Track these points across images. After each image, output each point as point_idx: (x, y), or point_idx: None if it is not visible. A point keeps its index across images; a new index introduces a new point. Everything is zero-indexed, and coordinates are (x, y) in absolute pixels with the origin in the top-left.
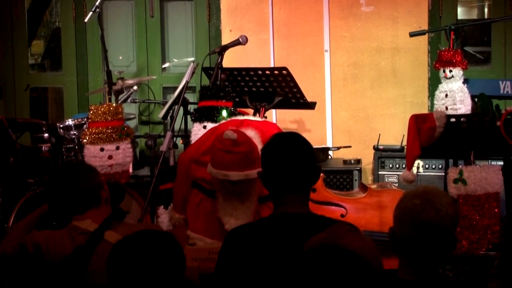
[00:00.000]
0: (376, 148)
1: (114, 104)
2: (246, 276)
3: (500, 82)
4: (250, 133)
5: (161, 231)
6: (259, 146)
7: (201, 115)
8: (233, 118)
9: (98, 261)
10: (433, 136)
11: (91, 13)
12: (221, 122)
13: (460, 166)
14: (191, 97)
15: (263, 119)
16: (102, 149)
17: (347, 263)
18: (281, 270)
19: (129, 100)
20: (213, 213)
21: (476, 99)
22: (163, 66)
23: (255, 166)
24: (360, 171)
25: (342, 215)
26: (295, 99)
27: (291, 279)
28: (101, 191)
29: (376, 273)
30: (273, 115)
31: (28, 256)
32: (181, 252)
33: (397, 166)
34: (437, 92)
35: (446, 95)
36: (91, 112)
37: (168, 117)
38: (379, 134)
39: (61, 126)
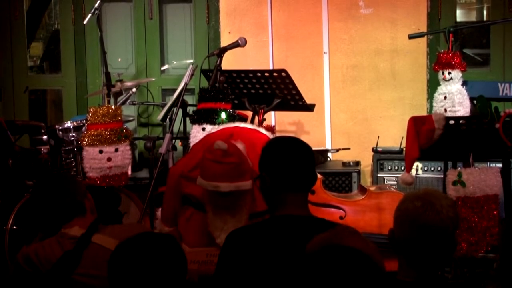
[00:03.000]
0: (375, 150)
1: (113, 106)
2: (246, 277)
3: (499, 84)
4: (239, 146)
5: (163, 234)
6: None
7: (200, 117)
8: (224, 126)
9: (87, 264)
10: (432, 138)
11: (90, 15)
12: (210, 132)
13: (459, 168)
14: (190, 99)
15: (255, 127)
16: (101, 151)
17: (353, 262)
18: (281, 272)
19: (128, 102)
20: (204, 227)
21: (475, 101)
22: (162, 68)
23: (246, 177)
24: (359, 173)
25: (341, 217)
26: (294, 101)
27: (292, 281)
28: (85, 201)
29: (382, 272)
30: (272, 117)
31: (24, 272)
32: (183, 254)
33: (396, 168)
34: (436, 94)
35: (445, 97)
36: (90, 114)
37: (167, 119)
38: (378, 136)
39: (60, 128)
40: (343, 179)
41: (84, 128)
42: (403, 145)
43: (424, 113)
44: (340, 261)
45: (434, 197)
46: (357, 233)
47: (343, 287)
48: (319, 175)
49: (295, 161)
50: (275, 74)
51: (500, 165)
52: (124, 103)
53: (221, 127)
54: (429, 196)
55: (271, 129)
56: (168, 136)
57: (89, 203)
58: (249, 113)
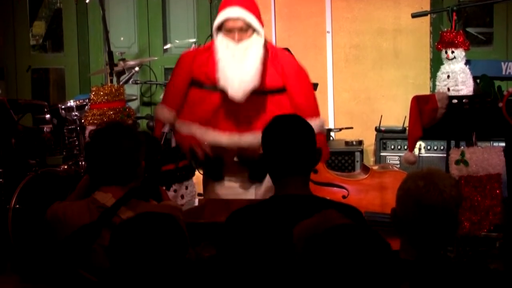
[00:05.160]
0: (378, 130)
1: (115, 85)
2: (247, 258)
3: (502, 63)
4: None
5: (163, 213)
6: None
7: None
8: None
9: (108, 237)
10: (435, 117)
11: None
12: None
13: (462, 147)
14: None
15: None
16: None
17: (352, 238)
18: (281, 252)
19: (130, 81)
20: (213, 106)
21: (478, 80)
22: (165, 47)
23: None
24: (362, 152)
25: (343, 196)
26: None
27: (292, 261)
28: (138, 168)
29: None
30: None
31: (48, 227)
32: (184, 235)
33: (399, 147)
34: (439, 73)
35: (448, 76)
36: (92, 93)
37: None
38: (381, 116)
39: (63, 107)
40: (346, 158)
41: (86, 107)
42: (406, 124)
43: (427, 92)
44: (340, 239)
45: (437, 176)
46: (343, 217)
47: (346, 263)
48: None
49: (293, 145)
50: None
51: (503, 144)
52: (126, 82)
53: None
54: (432, 175)
55: None
56: None
57: (140, 169)
58: None
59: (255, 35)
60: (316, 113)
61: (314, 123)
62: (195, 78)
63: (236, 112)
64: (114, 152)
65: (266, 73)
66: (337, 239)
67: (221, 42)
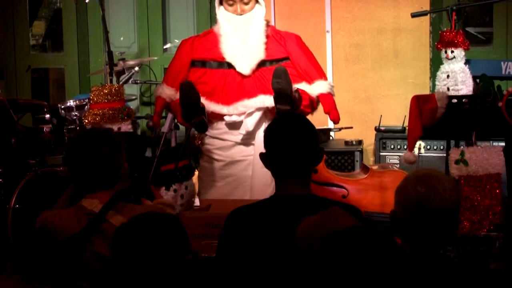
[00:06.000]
0: (377, 129)
1: (115, 85)
2: (248, 257)
3: (502, 63)
4: None
5: (165, 214)
6: None
7: None
8: None
9: (101, 243)
10: (434, 117)
11: None
12: None
13: (462, 147)
14: None
15: None
16: None
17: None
18: (281, 251)
19: (130, 81)
20: (217, 82)
21: (477, 80)
22: (165, 47)
23: None
24: (361, 152)
25: (343, 196)
26: None
27: (292, 260)
28: (121, 169)
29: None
30: None
31: (39, 236)
32: (185, 235)
33: (399, 147)
34: (438, 73)
35: (448, 76)
36: (92, 93)
37: None
38: (381, 115)
39: (63, 107)
40: (345, 158)
41: (86, 107)
42: (406, 124)
43: (426, 92)
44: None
45: (436, 181)
46: (348, 214)
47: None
48: None
49: (295, 145)
50: None
51: (502, 143)
52: (126, 82)
53: None
54: (431, 180)
55: None
56: (170, 115)
57: (123, 171)
58: None
59: (257, 5)
60: (323, 75)
61: (323, 84)
62: (196, 59)
63: (240, 84)
64: (93, 158)
65: (268, 44)
66: (357, 242)
67: (223, 16)
